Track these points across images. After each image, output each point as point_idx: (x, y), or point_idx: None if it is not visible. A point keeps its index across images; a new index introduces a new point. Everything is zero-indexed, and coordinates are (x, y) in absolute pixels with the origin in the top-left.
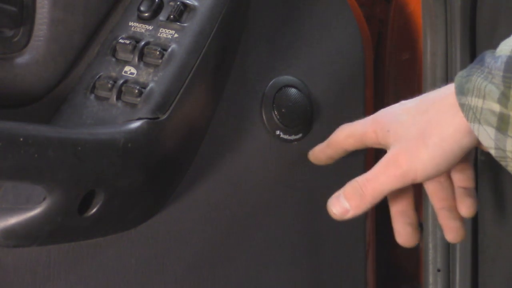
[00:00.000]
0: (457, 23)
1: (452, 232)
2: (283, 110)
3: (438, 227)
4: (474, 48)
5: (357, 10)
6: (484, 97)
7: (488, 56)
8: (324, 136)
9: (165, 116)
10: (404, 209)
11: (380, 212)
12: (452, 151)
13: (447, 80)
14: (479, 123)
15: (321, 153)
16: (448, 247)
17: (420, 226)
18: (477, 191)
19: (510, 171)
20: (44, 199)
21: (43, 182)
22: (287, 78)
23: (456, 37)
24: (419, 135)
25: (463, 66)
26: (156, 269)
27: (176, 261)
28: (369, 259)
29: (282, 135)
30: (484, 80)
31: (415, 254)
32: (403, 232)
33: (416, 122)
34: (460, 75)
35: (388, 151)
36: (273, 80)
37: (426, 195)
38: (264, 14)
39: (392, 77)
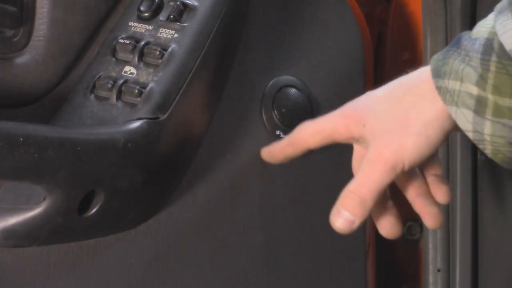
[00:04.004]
0: (457, 23)
1: (432, 217)
2: (283, 110)
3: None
4: None
5: (357, 10)
6: (461, 80)
7: (464, 39)
8: None
9: (165, 116)
10: (381, 201)
11: None
12: (436, 136)
13: None
14: (457, 106)
15: (280, 152)
16: (448, 247)
17: (420, 226)
18: (477, 191)
19: (488, 154)
20: (44, 199)
21: (43, 182)
22: (287, 78)
23: None
24: (400, 125)
25: None
26: (156, 269)
27: (176, 261)
28: (369, 259)
29: (282, 135)
30: (462, 63)
31: (415, 254)
32: (386, 224)
33: (394, 112)
34: (436, 58)
35: (368, 146)
36: (273, 80)
37: None
38: (264, 14)
39: (392, 77)
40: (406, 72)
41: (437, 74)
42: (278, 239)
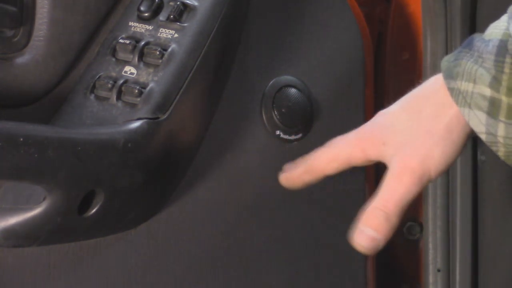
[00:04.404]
0: (457, 23)
1: None
2: (283, 110)
3: (438, 227)
4: None
5: (357, 10)
6: (474, 81)
7: (477, 40)
8: (324, 136)
9: (165, 116)
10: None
11: None
12: (461, 140)
13: None
14: (470, 107)
15: (298, 179)
16: (448, 247)
17: (420, 226)
18: (477, 191)
19: (501, 156)
20: (44, 199)
21: (43, 182)
22: (287, 78)
23: (456, 37)
24: (423, 135)
25: None
26: (156, 269)
27: (176, 261)
28: (369, 259)
29: (282, 135)
30: (475, 64)
31: (415, 254)
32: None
33: (415, 123)
34: (447, 59)
35: (391, 161)
36: (273, 80)
37: (425, 195)
38: (264, 14)
39: (392, 77)
40: (406, 72)
41: (449, 76)
42: (278, 239)
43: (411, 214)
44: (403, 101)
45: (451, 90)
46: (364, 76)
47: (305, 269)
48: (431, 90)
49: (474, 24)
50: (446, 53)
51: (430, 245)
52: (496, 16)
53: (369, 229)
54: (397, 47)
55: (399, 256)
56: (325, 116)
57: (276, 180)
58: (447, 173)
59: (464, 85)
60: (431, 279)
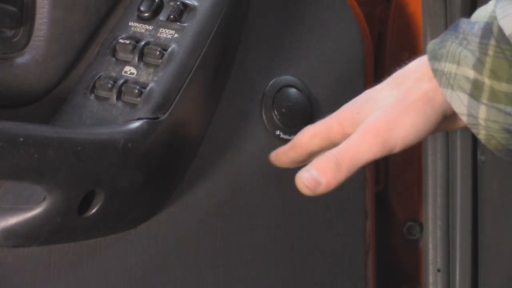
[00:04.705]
0: None
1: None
2: (283, 110)
3: (438, 227)
4: None
5: (357, 10)
6: (458, 63)
7: (463, 23)
8: None
9: (165, 116)
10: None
11: (380, 212)
12: (435, 115)
13: None
14: (452, 89)
15: (284, 155)
16: (448, 247)
17: (420, 226)
18: (477, 191)
19: (481, 139)
20: (44, 199)
21: (43, 182)
22: (287, 78)
23: None
24: (397, 102)
25: None
26: (156, 269)
27: (176, 261)
28: (369, 259)
29: (282, 135)
30: (459, 46)
31: (415, 254)
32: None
33: (393, 94)
34: (433, 42)
35: (363, 122)
36: (273, 80)
37: (425, 195)
38: (264, 14)
39: None
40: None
41: (434, 57)
42: (278, 239)
43: (411, 214)
44: (387, 79)
45: (435, 71)
46: (364, 76)
47: (305, 269)
48: (414, 67)
49: None
50: None
51: (430, 245)
52: None
53: (315, 171)
54: (397, 47)
55: (399, 256)
56: (325, 116)
57: (276, 180)
58: (447, 173)
59: (448, 67)
60: (431, 279)
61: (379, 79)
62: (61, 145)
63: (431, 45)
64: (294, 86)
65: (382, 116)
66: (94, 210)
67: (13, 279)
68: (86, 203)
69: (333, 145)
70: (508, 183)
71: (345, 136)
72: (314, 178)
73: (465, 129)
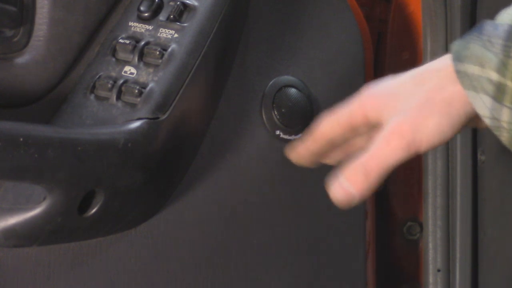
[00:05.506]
0: (457, 23)
1: None
2: (283, 110)
3: (438, 227)
4: None
5: (357, 10)
6: (482, 65)
7: (487, 24)
8: None
9: (165, 116)
10: None
11: (380, 212)
12: (459, 117)
13: None
14: (476, 91)
15: (305, 150)
16: (448, 247)
17: (420, 226)
18: (477, 191)
19: (504, 141)
20: (44, 199)
21: (43, 182)
22: (287, 78)
23: (456, 37)
24: (422, 103)
25: None
26: (156, 269)
27: (176, 261)
28: (369, 259)
29: (282, 135)
30: (483, 48)
31: (415, 254)
32: None
33: (416, 92)
34: (458, 43)
35: (386, 124)
36: (273, 80)
37: (425, 195)
38: (264, 14)
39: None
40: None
41: (458, 58)
42: (278, 239)
43: (411, 214)
44: (412, 72)
45: (458, 72)
46: (364, 76)
47: (305, 269)
48: (439, 65)
49: (474, 24)
50: (446, 53)
51: (430, 245)
52: (495, 17)
53: (347, 183)
54: (397, 47)
55: (399, 256)
56: None
57: (276, 180)
58: (447, 173)
59: (471, 68)
60: (431, 279)
61: (379, 79)
62: (61, 145)
63: (455, 46)
64: (294, 86)
65: (406, 119)
66: (94, 210)
67: (13, 279)
68: (86, 203)
69: (355, 134)
70: (508, 183)
71: (368, 124)
72: (348, 192)
73: (465, 129)
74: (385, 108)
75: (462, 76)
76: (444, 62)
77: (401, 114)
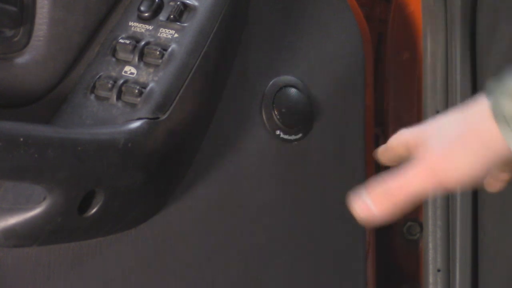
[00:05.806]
0: (457, 23)
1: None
2: (283, 110)
3: (438, 227)
4: (474, 48)
5: (357, 10)
6: None
7: None
8: (324, 136)
9: (165, 116)
10: None
11: None
12: (494, 157)
13: (447, 79)
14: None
15: (382, 155)
16: (448, 247)
17: (420, 226)
18: (477, 191)
19: None
20: (44, 199)
21: (43, 182)
22: (287, 78)
23: (456, 37)
24: (457, 138)
25: (463, 66)
26: (156, 269)
27: (176, 261)
28: (369, 259)
29: (282, 135)
30: None
31: (415, 254)
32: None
33: (453, 127)
34: (494, 81)
35: (422, 151)
36: (273, 80)
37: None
38: (264, 14)
39: (392, 77)
40: (406, 72)
41: (494, 98)
42: (278, 239)
43: (411, 214)
44: (456, 111)
45: (494, 112)
46: (364, 76)
47: (305, 269)
48: (480, 104)
49: (474, 24)
50: (446, 53)
51: (430, 245)
52: (495, 17)
53: (372, 204)
54: (397, 47)
55: (399, 256)
56: (325, 116)
57: (276, 180)
58: None
59: (508, 107)
60: (431, 279)
61: (379, 79)
62: (61, 145)
63: (490, 84)
64: (294, 86)
65: (440, 156)
66: (94, 210)
67: (13, 279)
68: (86, 203)
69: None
70: (508, 183)
71: (411, 155)
72: (371, 212)
73: None
74: (425, 145)
75: (498, 115)
76: (484, 104)
77: (440, 150)
